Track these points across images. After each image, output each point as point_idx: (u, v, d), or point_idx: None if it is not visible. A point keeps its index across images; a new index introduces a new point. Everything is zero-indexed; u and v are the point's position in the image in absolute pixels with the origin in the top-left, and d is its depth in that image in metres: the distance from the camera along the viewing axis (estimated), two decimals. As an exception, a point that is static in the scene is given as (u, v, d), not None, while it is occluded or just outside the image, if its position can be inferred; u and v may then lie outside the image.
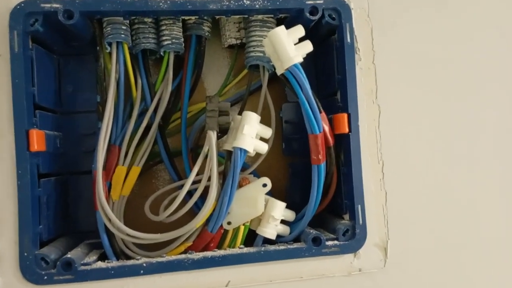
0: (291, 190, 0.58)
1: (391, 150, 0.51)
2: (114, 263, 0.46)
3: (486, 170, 0.54)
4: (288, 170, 0.58)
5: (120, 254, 0.50)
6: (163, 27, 0.52)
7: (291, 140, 0.58)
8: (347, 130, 0.49)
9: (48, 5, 0.45)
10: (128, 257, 0.50)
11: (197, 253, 0.47)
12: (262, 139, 0.50)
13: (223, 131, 0.50)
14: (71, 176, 0.55)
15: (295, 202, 0.55)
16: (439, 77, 0.53)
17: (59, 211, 0.52)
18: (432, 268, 0.51)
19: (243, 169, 0.56)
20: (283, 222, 0.52)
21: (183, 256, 0.47)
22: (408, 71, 0.52)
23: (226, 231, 0.50)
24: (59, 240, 0.51)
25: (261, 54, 0.53)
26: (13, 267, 0.44)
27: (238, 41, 0.55)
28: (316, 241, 0.48)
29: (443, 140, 0.53)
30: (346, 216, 0.51)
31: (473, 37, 0.54)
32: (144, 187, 0.57)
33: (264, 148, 0.49)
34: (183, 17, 0.51)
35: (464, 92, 0.53)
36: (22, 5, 0.45)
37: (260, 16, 0.52)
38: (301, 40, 0.47)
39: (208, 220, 0.49)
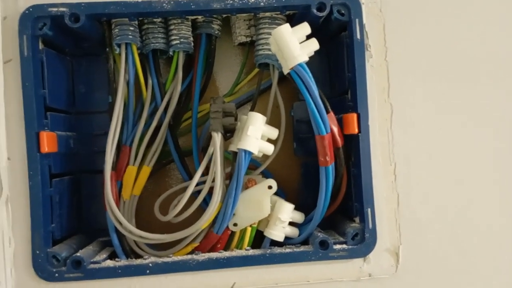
0: (303, 190, 0.57)
1: (404, 151, 0.48)
2: (122, 262, 0.47)
3: (505, 173, 0.50)
4: (300, 170, 0.57)
5: (130, 253, 0.51)
6: (172, 27, 0.52)
7: (302, 140, 0.56)
8: (356, 130, 0.47)
9: (55, 9, 0.45)
10: (138, 256, 0.51)
11: (202, 254, 0.47)
12: (269, 140, 0.49)
13: (231, 132, 0.50)
14: (85, 175, 0.56)
15: (307, 203, 0.54)
16: (455, 74, 0.49)
17: (73, 210, 0.54)
18: (446, 274, 0.49)
19: (254, 167, 0.55)
20: (293, 224, 0.51)
21: (188, 257, 0.47)
22: (423, 68, 0.49)
23: (233, 233, 0.50)
24: (73, 238, 0.52)
25: (270, 52, 0.51)
26: (26, 264, 0.46)
27: (248, 39, 0.54)
28: (323, 244, 0.47)
29: (460, 140, 0.49)
30: (357, 219, 0.49)
31: (491, 33, 0.50)
32: (157, 186, 0.57)
33: (270, 149, 0.48)
34: (189, 17, 0.51)
35: (483, 90, 0.50)
36: (30, 9, 0.45)
37: (268, 13, 0.50)
38: (309, 37, 0.46)
39: (214, 222, 0.48)
